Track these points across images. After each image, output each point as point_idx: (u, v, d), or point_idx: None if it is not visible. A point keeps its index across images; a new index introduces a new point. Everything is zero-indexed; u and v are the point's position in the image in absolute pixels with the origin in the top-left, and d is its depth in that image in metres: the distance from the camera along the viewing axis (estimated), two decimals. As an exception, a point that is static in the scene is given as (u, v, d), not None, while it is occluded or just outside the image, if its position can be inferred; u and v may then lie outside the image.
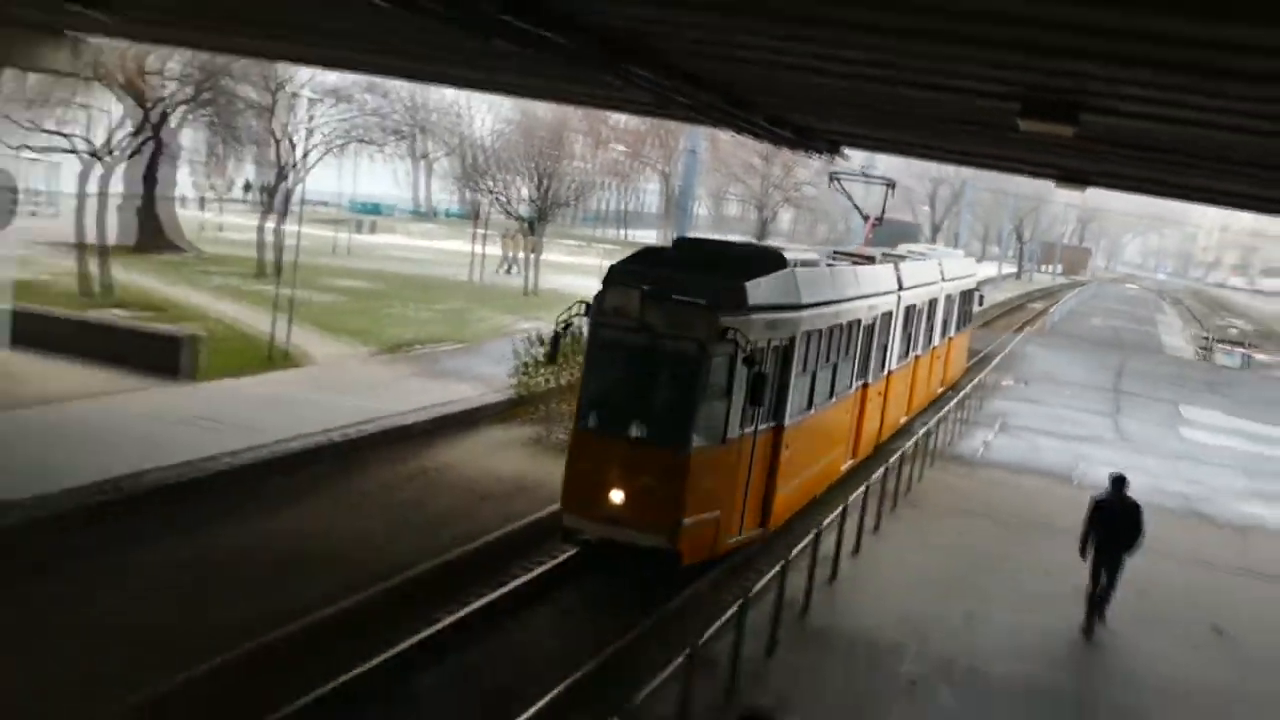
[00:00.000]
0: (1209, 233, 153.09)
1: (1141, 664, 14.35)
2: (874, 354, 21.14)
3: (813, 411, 17.35)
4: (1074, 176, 19.06)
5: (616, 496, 13.90)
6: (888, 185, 26.68)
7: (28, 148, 32.92)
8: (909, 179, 78.75)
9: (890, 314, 22.10)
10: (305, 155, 42.95)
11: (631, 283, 14.21)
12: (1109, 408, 35.37)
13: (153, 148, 40.90)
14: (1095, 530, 14.75)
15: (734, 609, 11.52)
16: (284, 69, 40.12)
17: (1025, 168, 21.62)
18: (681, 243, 17.19)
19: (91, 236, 33.12)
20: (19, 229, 25.85)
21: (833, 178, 25.19)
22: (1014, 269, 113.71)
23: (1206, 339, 67.58)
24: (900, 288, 22.85)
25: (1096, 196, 67.64)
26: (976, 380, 33.35)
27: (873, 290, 20.62)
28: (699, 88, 14.27)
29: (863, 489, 17.28)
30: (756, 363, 13.93)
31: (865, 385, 20.78)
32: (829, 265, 19.36)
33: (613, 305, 14.29)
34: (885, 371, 22.49)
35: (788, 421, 15.84)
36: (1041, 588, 16.08)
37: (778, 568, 12.99)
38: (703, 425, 14.06)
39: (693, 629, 11.34)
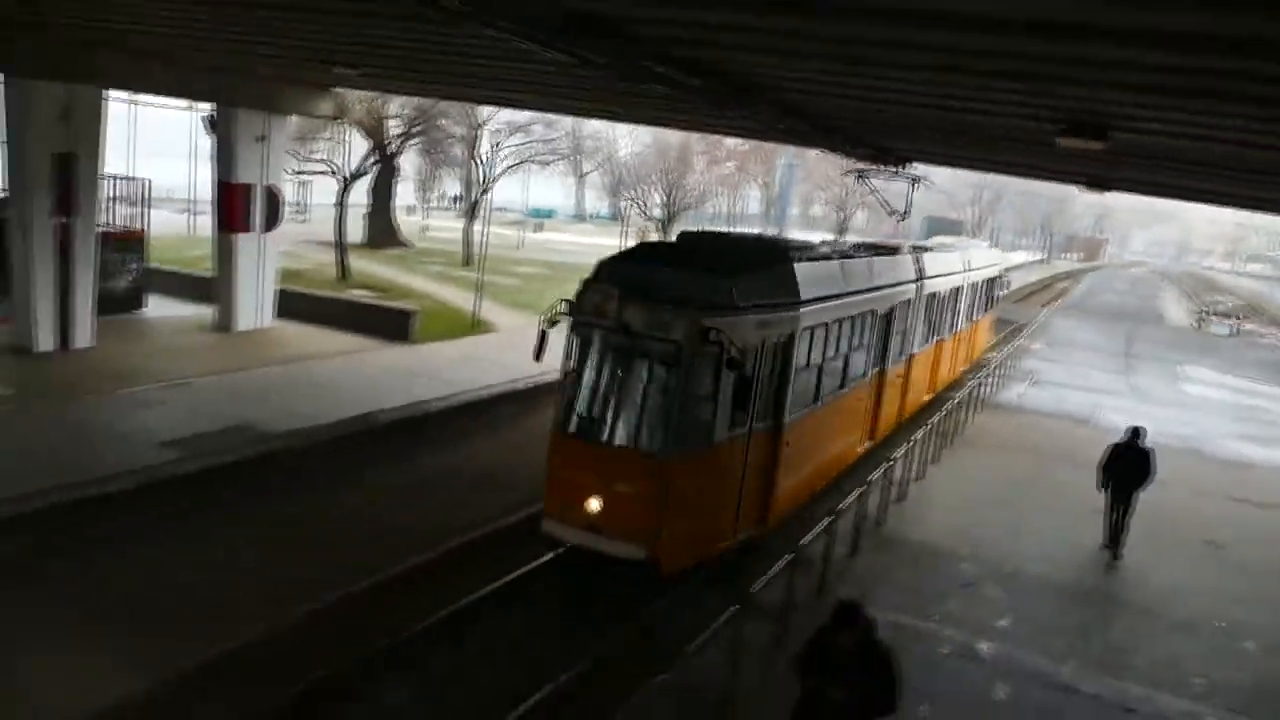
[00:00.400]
0: (1204, 225, 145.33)
1: (1150, 569, 13.77)
2: (892, 340, 17.54)
3: (819, 404, 13.84)
4: (1098, 182, 18.15)
5: (594, 504, 10.77)
6: (912, 181, 21.07)
7: (299, 172, 34.15)
8: (955, 183, 76.35)
9: (910, 301, 18.57)
10: (494, 173, 43.70)
11: (612, 280, 11.19)
12: (1121, 366, 33.92)
13: (381, 169, 41.92)
14: (1111, 470, 14.03)
15: (826, 521, 11.41)
16: (478, 109, 40.71)
17: (1058, 176, 20.60)
18: (685, 237, 13.85)
19: (338, 236, 34.14)
20: (283, 231, 26.71)
21: (860, 176, 20.29)
22: (1043, 256, 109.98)
23: (1204, 311, 64.12)
24: (921, 277, 19.29)
25: (1110, 195, 64.82)
26: (1014, 345, 32.32)
27: (891, 280, 17.18)
28: (799, 117, 13.95)
29: (926, 429, 16.88)
30: (744, 365, 10.94)
31: (882, 371, 17.27)
32: (843, 258, 15.54)
33: (591, 304, 11.12)
34: (905, 356, 18.95)
35: (788, 419, 12.40)
36: (1068, 508, 15.50)
37: (859, 491, 12.82)
38: (683, 431, 10.81)
39: (795, 536, 11.30)
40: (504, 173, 45.62)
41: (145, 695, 8.59)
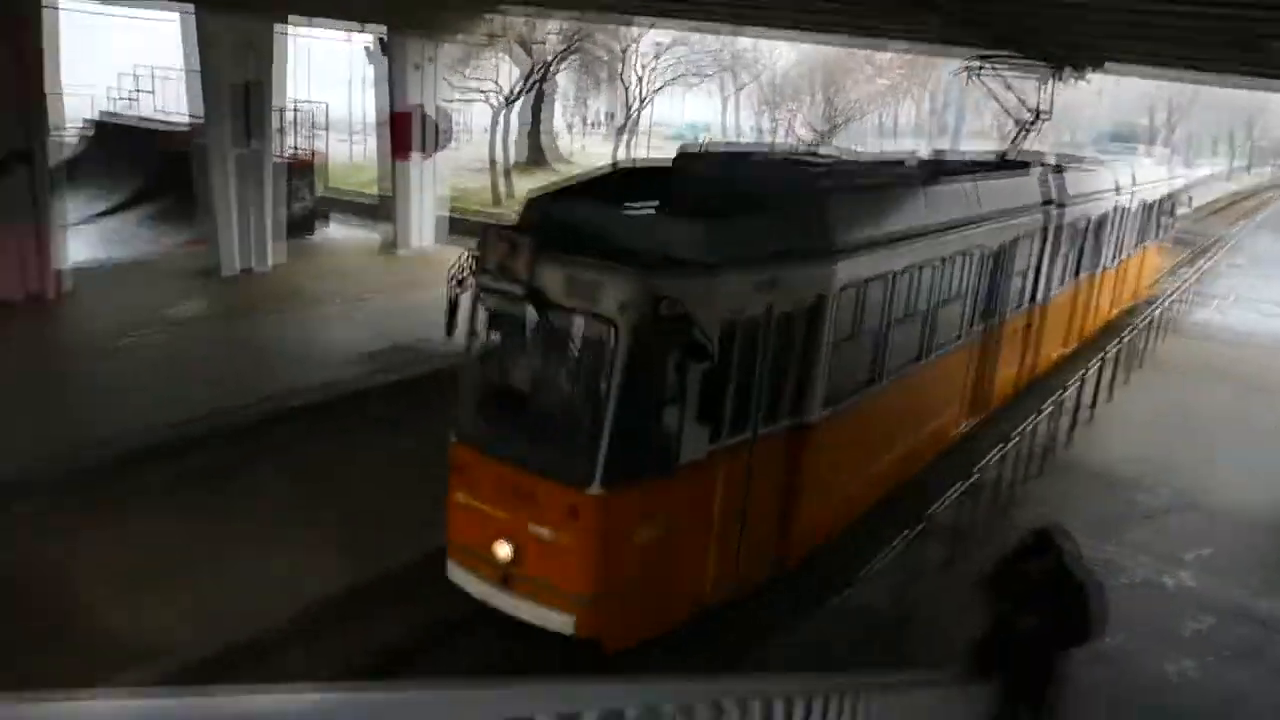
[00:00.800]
0: None
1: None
2: (1009, 285, 13.71)
3: (883, 383, 10.30)
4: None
5: (503, 549, 7.56)
6: (1042, 79, 16.59)
7: (460, 96, 34.87)
8: (1142, 88, 70.59)
9: (1038, 232, 14.65)
10: (649, 90, 43.49)
11: (529, 224, 8.01)
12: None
13: (536, 90, 42.25)
14: None
15: (1005, 445, 11.08)
16: (631, 26, 40.22)
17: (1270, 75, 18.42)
18: (684, 158, 10.45)
19: (497, 158, 34.73)
20: (446, 155, 27.27)
21: (971, 70, 16.22)
22: (1244, 163, 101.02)
23: None
24: (1054, 201, 15.12)
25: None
26: (1205, 265, 30.16)
27: (1007, 206, 13.20)
28: (986, 24, 13.10)
29: (1114, 350, 16.03)
30: (713, 355, 7.21)
31: (991, 326, 13.46)
32: (928, 182, 11.53)
33: (494, 260, 7.59)
34: (1030, 304, 15.12)
35: (819, 414, 8.93)
36: (1264, 439, 14.51)
37: (1042, 412, 12.39)
38: (628, 450, 7.30)
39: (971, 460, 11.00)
40: (660, 89, 45.28)
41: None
